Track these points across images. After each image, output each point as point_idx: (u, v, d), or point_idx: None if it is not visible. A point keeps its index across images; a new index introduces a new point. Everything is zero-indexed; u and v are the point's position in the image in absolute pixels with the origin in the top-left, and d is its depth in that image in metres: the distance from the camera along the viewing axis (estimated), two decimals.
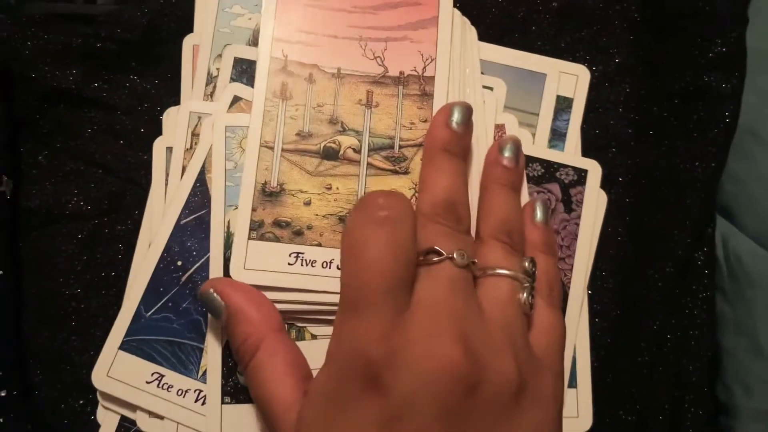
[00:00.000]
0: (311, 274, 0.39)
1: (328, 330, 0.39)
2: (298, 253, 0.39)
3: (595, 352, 0.42)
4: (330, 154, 0.41)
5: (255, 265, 0.39)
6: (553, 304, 0.38)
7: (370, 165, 0.41)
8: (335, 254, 0.39)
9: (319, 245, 0.40)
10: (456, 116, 0.39)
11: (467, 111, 0.39)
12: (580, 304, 0.41)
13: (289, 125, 0.41)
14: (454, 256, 0.34)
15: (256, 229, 0.40)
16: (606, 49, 0.45)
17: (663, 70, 0.44)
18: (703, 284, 0.42)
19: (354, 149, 0.41)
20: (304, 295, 0.39)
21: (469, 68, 0.43)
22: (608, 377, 0.42)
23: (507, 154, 0.40)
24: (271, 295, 0.39)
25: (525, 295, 0.35)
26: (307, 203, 0.40)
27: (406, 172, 0.41)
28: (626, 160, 0.42)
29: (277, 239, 0.40)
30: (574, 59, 0.45)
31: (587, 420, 0.41)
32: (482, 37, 0.44)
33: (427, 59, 0.42)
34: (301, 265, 0.39)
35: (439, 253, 0.34)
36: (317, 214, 0.40)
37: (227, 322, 0.37)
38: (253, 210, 0.40)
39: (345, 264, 0.34)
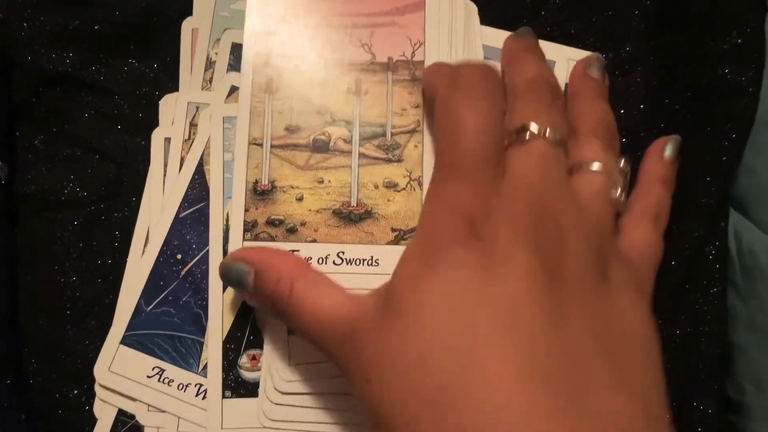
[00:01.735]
0: None
1: None
2: (293, 250, 0.39)
3: None
4: (320, 146, 0.40)
5: None
6: (656, 229, 0.38)
7: (362, 155, 0.40)
8: (330, 250, 0.39)
9: (314, 241, 0.39)
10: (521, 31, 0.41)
11: (530, 32, 0.41)
12: None
13: (276, 120, 0.40)
14: (547, 133, 0.34)
15: (250, 230, 0.39)
16: (616, 37, 0.44)
17: (676, 61, 0.43)
18: (714, 279, 0.41)
19: (345, 140, 0.40)
20: None
21: (471, 53, 0.43)
22: None
23: (594, 68, 0.41)
24: None
25: (618, 192, 0.36)
26: (300, 199, 0.40)
27: (399, 160, 0.40)
28: (636, 152, 0.41)
29: (272, 238, 0.39)
30: (584, 46, 0.44)
31: None
32: (490, 23, 0.43)
33: (415, 44, 0.42)
34: None
35: (530, 131, 0.34)
36: (310, 210, 0.39)
37: (255, 278, 0.35)
38: (246, 210, 0.39)
39: (443, 131, 0.34)
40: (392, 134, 0.40)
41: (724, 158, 0.41)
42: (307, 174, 0.40)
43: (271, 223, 0.39)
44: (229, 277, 0.37)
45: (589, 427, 0.27)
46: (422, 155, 0.40)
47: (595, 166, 0.36)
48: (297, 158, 0.40)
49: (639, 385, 0.30)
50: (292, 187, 0.40)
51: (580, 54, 0.43)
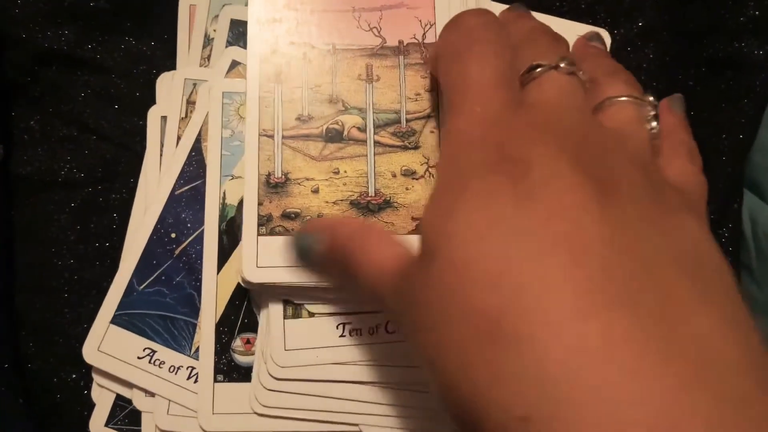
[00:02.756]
0: None
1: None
2: None
3: None
4: (334, 136, 0.39)
5: (268, 263, 0.37)
6: (694, 163, 0.34)
7: (377, 143, 0.39)
8: None
9: None
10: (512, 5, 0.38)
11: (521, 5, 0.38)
12: None
13: (287, 110, 0.39)
14: (560, 64, 0.31)
15: (265, 224, 0.38)
16: (629, 12, 0.43)
17: (690, 35, 0.42)
18: None
19: (359, 128, 0.39)
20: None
21: None
22: None
23: (595, 41, 0.38)
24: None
25: (653, 123, 0.33)
26: (315, 191, 0.38)
27: (416, 147, 0.39)
28: None
29: (288, 232, 0.38)
30: (595, 21, 0.42)
31: None
32: None
33: (426, 25, 0.40)
34: None
35: (541, 66, 0.31)
36: (327, 201, 0.38)
37: (327, 244, 0.34)
38: (260, 204, 0.38)
39: (448, 75, 0.32)
40: (407, 120, 0.39)
41: (741, 136, 0.40)
42: (321, 165, 0.39)
43: (286, 216, 0.38)
44: (301, 249, 0.35)
45: (679, 349, 0.23)
46: (439, 141, 0.39)
47: (623, 98, 0.33)
48: (310, 149, 0.39)
49: (724, 309, 0.25)
50: (307, 179, 0.38)
51: (590, 30, 0.42)
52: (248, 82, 0.39)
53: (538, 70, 0.31)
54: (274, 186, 0.38)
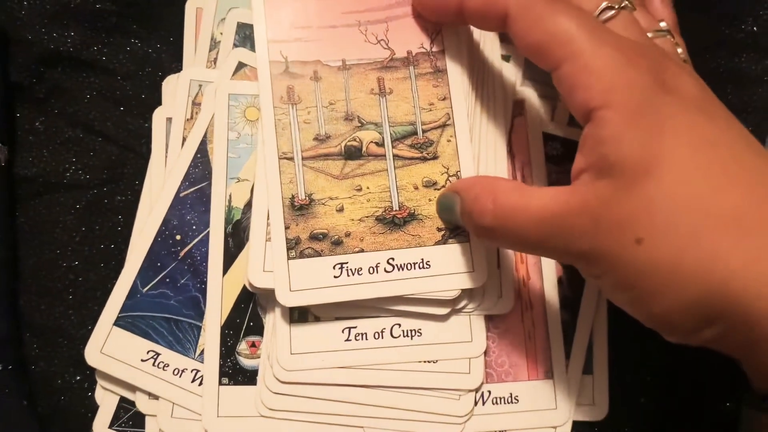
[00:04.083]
0: (359, 282, 0.38)
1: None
2: (341, 263, 0.38)
3: (613, 338, 0.40)
4: (353, 153, 0.39)
5: (300, 285, 0.37)
6: None
7: (396, 156, 0.39)
8: (380, 258, 0.38)
9: (362, 251, 0.38)
10: None
11: None
12: (598, 289, 0.40)
13: (304, 131, 0.39)
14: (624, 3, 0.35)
15: (294, 248, 0.38)
16: None
17: (690, 49, 0.41)
18: None
19: (376, 143, 0.39)
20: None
21: (484, 36, 0.41)
22: (626, 363, 0.41)
23: None
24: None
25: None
26: (340, 209, 0.38)
27: (435, 157, 0.39)
28: None
29: (318, 254, 0.38)
30: None
31: (603, 408, 0.40)
32: None
33: (432, 33, 0.40)
34: (347, 275, 0.38)
35: (611, 8, 0.34)
36: (353, 219, 0.38)
37: (460, 202, 0.35)
38: (287, 228, 0.38)
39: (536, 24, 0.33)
40: (423, 131, 0.39)
41: None
42: (344, 183, 0.39)
43: (314, 237, 0.38)
44: (442, 208, 0.38)
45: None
46: (457, 149, 0.39)
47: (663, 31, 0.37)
48: (331, 168, 0.39)
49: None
50: (331, 198, 0.38)
51: None
52: (262, 107, 0.39)
53: (612, 12, 0.34)
54: (299, 208, 0.38)
